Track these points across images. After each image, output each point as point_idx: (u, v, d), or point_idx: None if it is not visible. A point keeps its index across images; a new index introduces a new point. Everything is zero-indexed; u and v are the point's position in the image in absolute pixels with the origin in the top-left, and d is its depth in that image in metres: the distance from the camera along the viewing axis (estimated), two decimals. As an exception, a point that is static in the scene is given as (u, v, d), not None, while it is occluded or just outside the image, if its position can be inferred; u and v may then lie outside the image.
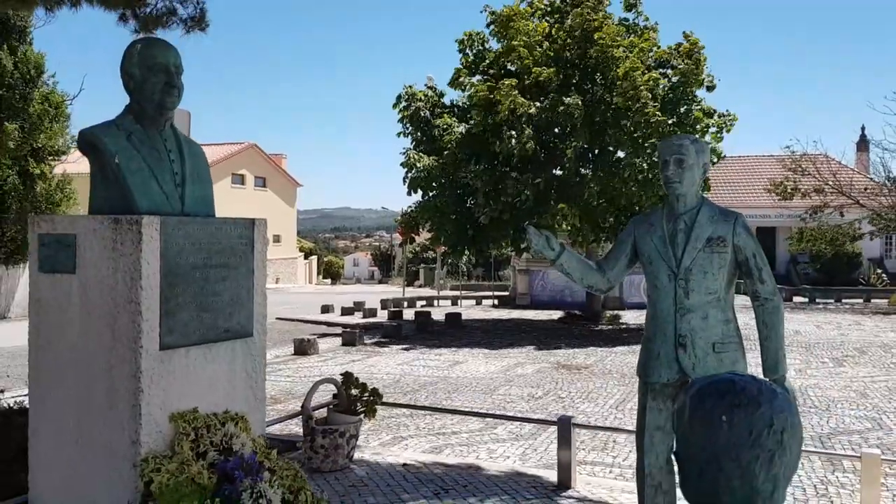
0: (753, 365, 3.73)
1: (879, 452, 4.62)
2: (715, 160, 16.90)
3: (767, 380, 1.24)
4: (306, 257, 50.70)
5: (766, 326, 3.55)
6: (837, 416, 7.94)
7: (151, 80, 3.32)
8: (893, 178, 24.97)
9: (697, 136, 16.53)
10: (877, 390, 9.42)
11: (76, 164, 19.23)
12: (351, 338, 14.87)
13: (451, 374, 11.15)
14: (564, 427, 5.21)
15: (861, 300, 25.78)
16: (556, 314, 20.88)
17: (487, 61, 17.91)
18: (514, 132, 15.73)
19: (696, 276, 3.53)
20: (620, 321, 19.31)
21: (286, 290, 36.36)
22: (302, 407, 5.51)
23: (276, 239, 42.18)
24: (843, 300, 25.80)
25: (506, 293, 29.19)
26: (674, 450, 1.22)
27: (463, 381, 10.49)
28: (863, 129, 36.50)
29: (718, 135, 17.12)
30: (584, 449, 6.49)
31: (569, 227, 17.46)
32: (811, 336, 15.54)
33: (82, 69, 23.78)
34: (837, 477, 5.73)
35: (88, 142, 3.27)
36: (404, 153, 17.63)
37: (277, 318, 20.07)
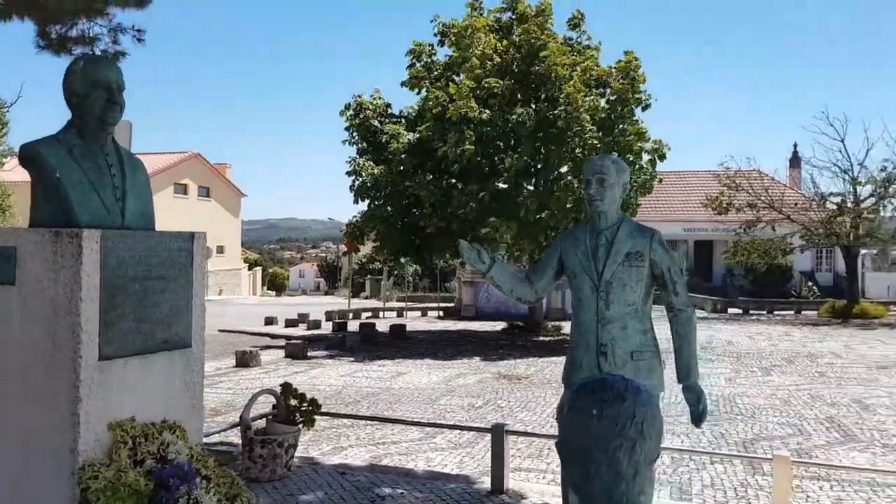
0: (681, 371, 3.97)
1: (789, 455, 4.92)
2: (649, 187, 17.52)
3: (633, 379, 1.43)
4: (251, 268, 50.18)
5: (680, 336, 3.79)
6: (761, 423, 8.32)
7: (93, 95, 3.39)
8: (822, 195, 26.06)
9: (633, 158, 17.08)
10: (800, 398, 9.88)
11: (12, 173, 18.81)
12: (294, 350, 14.86)
13: (394, 384, 11.27)
14: (498, 434, 5.40)
15: (792, 312, 26.75)
16: (500, 325, 21.17)
17: (437, 72, 18.20)
18: (456, 135, 15.98)
19: (616, 288, 3.75)
20: (561, 332, 19.68)
21: (230, 302, 35.93)
22: (241, 418, 5.59)
23: (220, 250, 41.66)
24: (776, 311, 26.75)
25: (451, 305, 29.42)
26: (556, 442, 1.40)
27: (405, 391, 10.62)
28: (795, 146, 37.95)
29: (652, 161, 17.66)
30: (519, 456, 6.70)
31: (509, 241, 17.80)
32: (743, 346, 16.13)
33: (21, 76, 23.30)
34: (757, 480, 6.04)
35: (30, 156, 3.34)
36: (350, 161, 17.76)
37: (220, 331, 19.89)
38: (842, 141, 25.81)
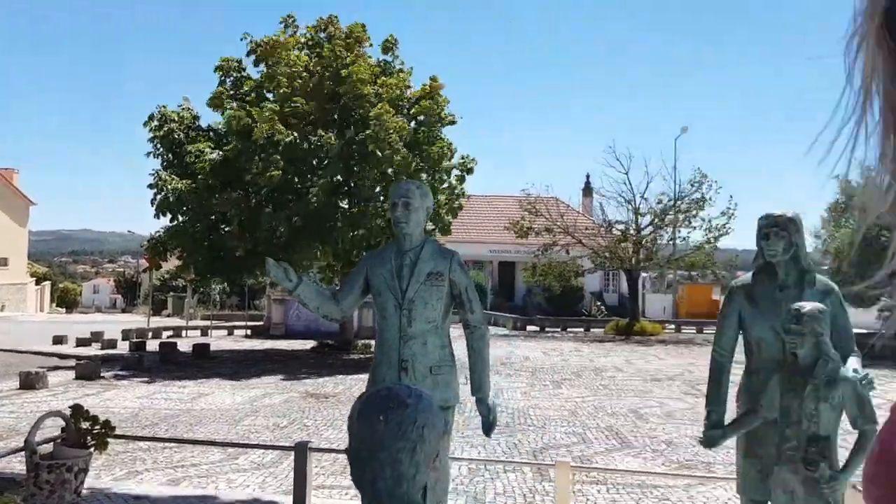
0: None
1: (570, 461, 5.42)
2: (458, 203, 18.24)
3: (417, 387, 1.62)
4: (38, 283, 45.97)
5: (475, 351, 4.09)
6: (551, 433, 8.98)
7: None
8: (609, 222, 28.43)
9: (443, 175, 17.79)
10: (585, 409, 10.75)
11: None
12: (86, 370, 13.87)
13: (195, 406, 10.88)
14: (301, 452, 5.46)
15: (582, 329, 28.83)
16: (310, 344, 21.01)
17: (246, 88, 17.86)
18: (264, 158, 15.80)
19: (418, 306, 3.98)
20: (371, 349, 19.87)
21: (14, 319, 32.76)
22: (25, 441, 5.21)
23: (3, 262, 37.86)
24: (568, 329, 28.71)
25: (260, 323, 28.72)
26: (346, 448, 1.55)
27: (207, 412, 10.30)
28: (587, 176, 41.00)
29: (462, 176, 18.47)
30: (323, 474, 6.77)
31: (324, 263, 17.79)
32: (538, 362, 17.20)
33: None
34: (544, 486, 6.54)
35: None
36: (154, 174, 16.94)
37: (1, 350, 18.11)
38: (626, 174, 28.37)
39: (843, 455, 3.18)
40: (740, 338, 3.94)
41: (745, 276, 4.05)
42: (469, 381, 4.08)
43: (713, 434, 3.82)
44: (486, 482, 6.65)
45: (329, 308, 4.16)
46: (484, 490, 6.42)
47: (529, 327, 28.57)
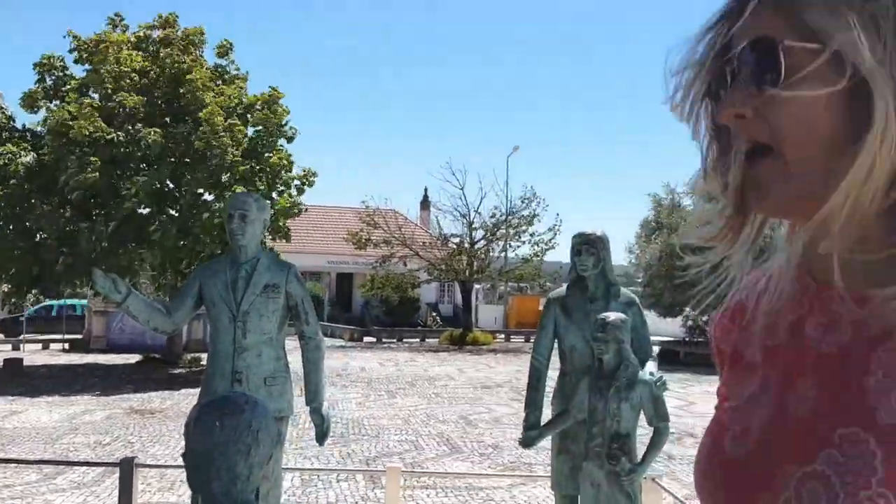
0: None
1: (400, 466, 5.63)
2: (297, 212, 18.10)
3: (254, 395, 1.74)
4: None
5: (309, 362, 4.19)
6: (384, 441, 9.17)
7: None
8: (445, 235, 29.23)
9: (280, 185, 17.61)
10: (418, 417, 11.04)
11: None
12: None
13: (6, 425, 10.10)
14: (126, 469, 5.29)
15: (418, 340, 29.36)
16: (135, 358, 19.95)
17: (69, 87, 16.77)
18: (81, 158, 14.91)
19: (253, 318, 4.03)
20: (200, 363, 19.20)
21: None
22: None
23: None
24: (404, 339, 29.13)
25: (80, 336, 26.84)
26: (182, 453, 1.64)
27: (20, 431, 9.60)
28: (426, 190, 41.80)
29: (302, 187, 18.36)
30: (149, 490, 6.55)
31: (151, 271, 17.01)
32: (374, 372, 17.38)
33: None
34: (376, 493, 6.70)
35: None
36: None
37: None
38: (461, 189, 29.27)
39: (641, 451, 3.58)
40: (557, 345, 4.31)
41: (561, 289, 4.44)
42: (303, 392, 4.17)
43: (530, 435, 4.15)
44: (319, 492, 6.73)
45: (160, 321, 4.11)
46: (317, 500, 6.50)
47: (366, 338, 28.70)
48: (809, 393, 0.71)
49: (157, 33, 17.78)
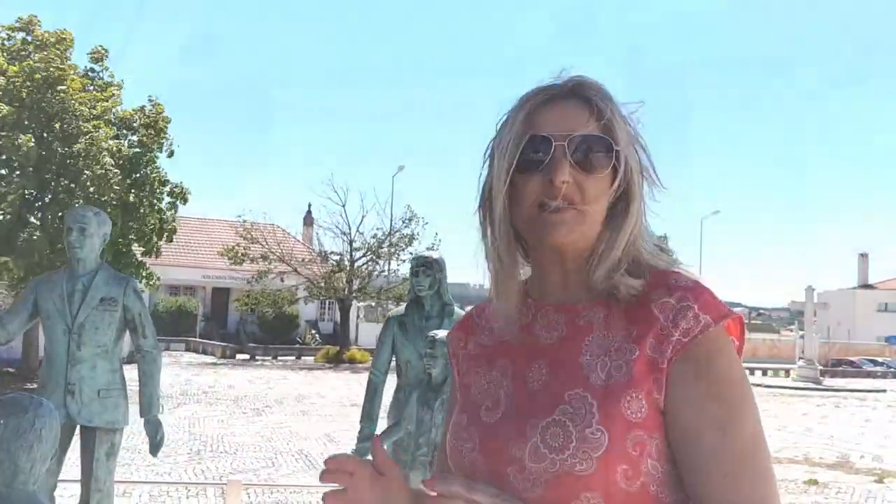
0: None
1: (241, 479, 5.71)
2: (170, 226, 17.70)
3: (38, 396, 1.88)
4: None
5: (145, 374, 4.25)
6: (241, 458, 9.14)
7: None
8: (325, 252, 29.20)
9: (155, 201, 17.18)
10: (281, 435, 11.04)
11: None
12: None
13: None
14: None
15: (294, 357, 29.08)
16: (-18, 372, 18.79)
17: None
18: None
19: (88, 331, 4.06)
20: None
21: None
22: None
23: None
24: (279, 357, 28.78)
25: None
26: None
27: None
28: (309, 206, 41.52)
29: (174, 204, 17.96)
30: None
31: (13, 279, 16.20)
32: (242, 390, 17.14)
33: None
34: (225, 507, 6.72)
35: None
36: None
37: None
38: (343, 206, 29.38)
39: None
40: (395, 360, 4.57)
41: (400, 308, 4.73)
42: (140, 403, 4.22)
43: (363, 446, 4.38)
44: (167, 507, 6.67)
45: (-10, 331, 4.07)
46: (163, 515, 6.45)
47: (239, 355, 28.14)
48: (542, 370, 1.06)
49: (19, 35, 17.01)
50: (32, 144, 14.92)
